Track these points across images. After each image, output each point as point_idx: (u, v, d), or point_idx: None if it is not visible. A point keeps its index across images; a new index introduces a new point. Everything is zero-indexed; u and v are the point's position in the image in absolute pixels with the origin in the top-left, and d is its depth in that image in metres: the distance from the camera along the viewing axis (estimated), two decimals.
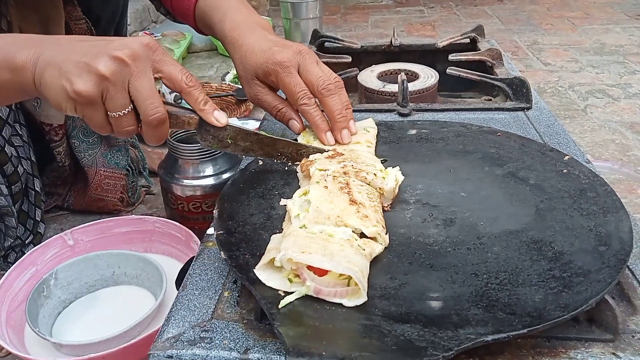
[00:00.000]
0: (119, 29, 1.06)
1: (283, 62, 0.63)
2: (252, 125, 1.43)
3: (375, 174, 0.53)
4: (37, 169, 0.94)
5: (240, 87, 1.72)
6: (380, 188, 0.53)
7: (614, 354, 0.39)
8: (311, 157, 0.58)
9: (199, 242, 0.76)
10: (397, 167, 0.55)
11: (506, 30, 2.39)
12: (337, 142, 0.63)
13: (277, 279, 0.43)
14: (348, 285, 0.41)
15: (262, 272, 0.43)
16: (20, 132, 0.89)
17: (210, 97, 1.85)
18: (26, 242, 0.91)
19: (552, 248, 0.45)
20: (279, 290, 0.42)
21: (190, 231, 0.78)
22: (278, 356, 0.40)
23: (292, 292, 0.41)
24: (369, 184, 0.53)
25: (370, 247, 0.45)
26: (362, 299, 0.40)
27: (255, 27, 0.70)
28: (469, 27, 1.16)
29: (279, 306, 0.40)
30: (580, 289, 0.40)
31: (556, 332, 0.40)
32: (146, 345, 0.63)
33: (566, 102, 1.60)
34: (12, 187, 0.85)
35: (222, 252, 0.46)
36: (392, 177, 0.53)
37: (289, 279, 0.42)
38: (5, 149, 0.83)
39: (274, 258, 0.43)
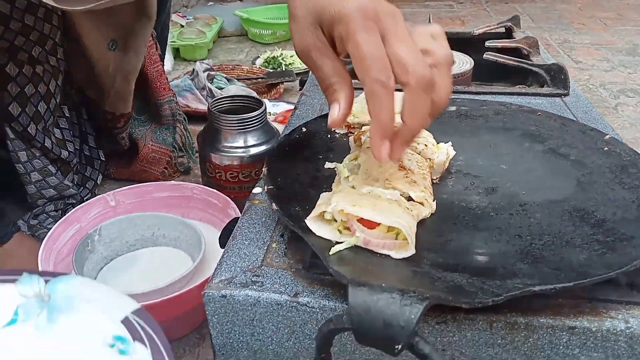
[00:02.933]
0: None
1: (366, 10, 0.41)
2: (282, 108, 1.45)
3: (426, 145, 0.54)
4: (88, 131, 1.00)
5: (271, 70, 1.75)
6: (430, 159, 0.54)
7: None
8: (364, 127, 0.60)
9: (237, 210, 0.79)
10: (450, 143, 0.56)
11: (537, 28, 2.36)
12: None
13: (327, 230, 0.44)
14: (396, 239, 0.43)
15: (312, 223, 0.45)
16: (67, 114, 0.92)
17: (240, 79, 1.83)
18: (98, 181, 0.98)
19: (595, 216, 0.47)
20: (329, 240, 0.44)
21: (227, 198, 0.80)
22: (327, 301, 0.42)
23: (342, 243, 0.43)
24: (419, 154, 0.54)
25: (417, 209, 0.47)
26: (410, 252, 0.42)
27: None
28: None
29: (330, 253, 0.42)
30: (624, 252, 0.41)
31: (597, 294, 0.41)
32: (184, 301, 0.65)
33: (597, 99, 1.59)
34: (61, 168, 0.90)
35: (273, 204, 0.48)
36: (444, 151, 0.55)
37: (338, 229, 0.44)
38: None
39: (324, 212, 0.44)
